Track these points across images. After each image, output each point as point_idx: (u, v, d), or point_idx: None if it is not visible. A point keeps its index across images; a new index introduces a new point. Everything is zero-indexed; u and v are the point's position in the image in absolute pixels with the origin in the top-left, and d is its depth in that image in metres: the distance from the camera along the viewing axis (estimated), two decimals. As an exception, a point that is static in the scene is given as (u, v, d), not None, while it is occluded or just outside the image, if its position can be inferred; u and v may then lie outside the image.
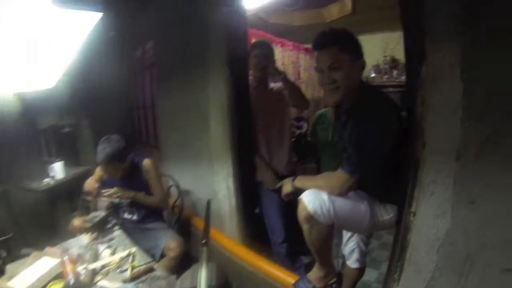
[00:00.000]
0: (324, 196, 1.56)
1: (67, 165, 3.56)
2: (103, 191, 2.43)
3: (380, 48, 5.24)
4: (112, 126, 4.02)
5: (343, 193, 1.57)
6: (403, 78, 5.21)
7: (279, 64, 4.07)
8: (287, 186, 1.82)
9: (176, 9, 2.93)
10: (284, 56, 4.22)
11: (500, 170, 1.19)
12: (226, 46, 2.17)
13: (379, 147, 1.45)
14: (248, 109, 2.25)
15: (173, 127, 3.19)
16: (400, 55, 5.17)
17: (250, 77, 2.37)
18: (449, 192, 1.30)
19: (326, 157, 2.34)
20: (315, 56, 1.56)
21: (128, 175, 2.52)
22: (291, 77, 4.31)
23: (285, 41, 4.19)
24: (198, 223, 2.81)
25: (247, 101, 2.24)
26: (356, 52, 1.53)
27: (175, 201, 2.90)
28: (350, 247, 2.20)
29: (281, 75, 2.26)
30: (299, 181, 1.76)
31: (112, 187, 2.48)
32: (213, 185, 2.61)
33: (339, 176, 1.56)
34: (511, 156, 1.17)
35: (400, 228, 1.52)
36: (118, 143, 2.38)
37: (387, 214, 1.64)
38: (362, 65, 1.57)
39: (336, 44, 1.49)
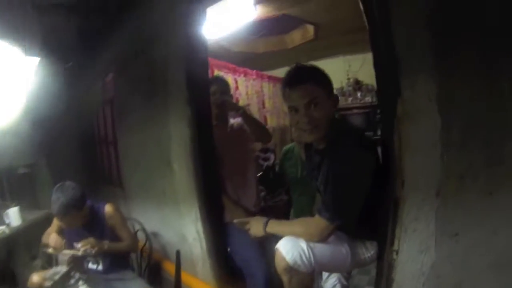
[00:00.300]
0: (303, 244, 1.43)
1: (24, 210, 3.22)
2: (77, 247, 2.19)
3: (343, 71, 5.30)
4: (73, 165, 3.88)
5: (323, 240, 1.46)
6: (367, 99, 5.28)
7: (243, 94, 4.01)
8: (257, 230, 1.65)
9: (135, 42, 2.81)
10: (248, 86, 4.16)
11: (480, 200, 1.20)
12: (186, 82, 2.05)
13: (358, 191, 1.36)
14: (212, 149, 2.11)
15: (136, 166, 3.00)
16: (363, 77, 5.24)
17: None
18: (432, 227, 1.27)
19: (297, 193, 2.23)
20: (286, 95, 1.46)
21: (89, 223, 2.30)
22: (255, 106, 4.25)
23: (248, 70, 4.14)
24: (169, 267, 2.60)
25: (211, 140, 2.11)
26: (330, 87, 1.48)
27: (143, 245, 2.68)
28: (331, 283, 2.06)
29: (240, 111, 2.16)
30: (272, 227, 1.59)
31: (73, 238, 2.26)
32: (181, 228, 2.44)
33: (318, 223, 1.44)
34: (490, 186, 1.18)
35: (383, 264, 1.46)
36: (73, 191, 2.15)
37: (368, 251, 1.57)
38: (336, 101, 1.50)
39: (313, 79, 1.42)
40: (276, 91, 4.84)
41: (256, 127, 2.26)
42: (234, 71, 3.82)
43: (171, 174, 2.37)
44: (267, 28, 4.04)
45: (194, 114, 2.02)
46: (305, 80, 1.41)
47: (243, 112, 2.17)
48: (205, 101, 2.06)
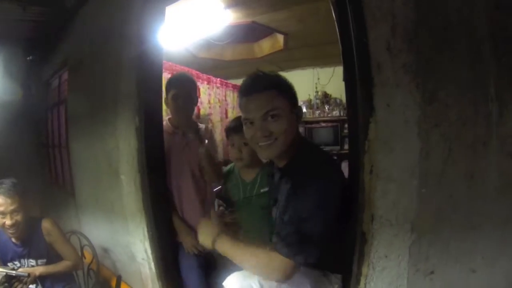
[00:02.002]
0: (255, 284, 1.18)
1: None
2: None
3: (312, 83, 5.13)
4: (19, 167, 3.50)
5: (284, 280, 1.17)
6: (335, 112, 5.13)
7: (205, 102, 3.72)
8: (205, 239, 1.33)
9: (88, 39, 2.49)
10: (211, 94, 3.88)
11: (460, 235, 1.05)
12: (137, 88, 1.77)
13: (326, 217, 1.10)
14: (162, 163, 1.84)
15: (86, 174, 2.66)
16: (332, 90, 5.10)
17: (165, 121, 1.95)
18: (404, 265, 1.09)
19: (243, 215, 1.94)
20: (242, 105, 1.24)
21: (26, 239, 2.01)
22: (218, 116, 3.97)
23: (212, 77, 3.86)
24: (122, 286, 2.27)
25: (162, 153, 1.83)
26: (293, 97, 1.26)
27: (90, 262, 2.35)
28: None
29: (202, 148, 1.87)
30: (223, 245, 1.26)
31: (8, 255, 2.00)
32: (130, 246, 2.15)
33: (279, 261, 1.11)
34: (471, 220, 1.03)
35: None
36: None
37: (332, 285, 1.31)
38: (300, 114, 1.28)
39: (275, 87, 1.19)
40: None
41: (211, 168, 1.95)
42: (197, 78, 3.52)
43: (119, 187, 2.07)
44: (235, 35, 3.80)
45: (142, 124, 1.73)
46: (264, 88, 1.19)
47: (206, 151, 1.88)
48: (156, 110, 1.78)
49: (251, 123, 1.21)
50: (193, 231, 1.90)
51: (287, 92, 1.23)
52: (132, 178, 1.86)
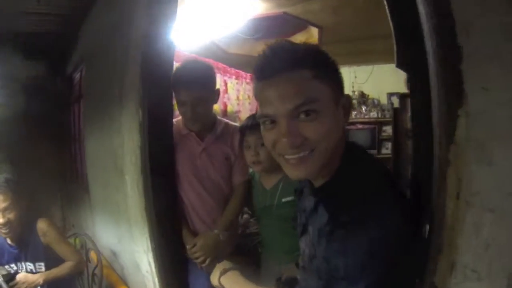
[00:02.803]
0: None
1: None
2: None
3: (348, 82, 4.70)
4: (43, 163, 3.43)
5: None
6: (373, 114, 4.73)
7: (232, 98, 3.37)
8: (214, 278, 1.13)
9: (100, 33, 2.27)
10: (240, 90, 3.53)
11: None
12: (141, 79, 1.50)
13: (378, 280, 0.69)
14: (170, 166, 1.55)
15: (98, 171, 2.45)
16: (369, 90, 4.68)
17: (176, 120, 1.65)
18: None
19: (262, 226, 1.67)
20: (258, 93, 0.79)
21: (22, 241, 1.86)
22: (247, 114, 3.61)
23: (241, 72, 3.52)
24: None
25: (170, 154, 1.54)
26: (340, 83, 0.81)
27: (95, 266, 2.12)
28: None
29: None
30: (228, 283, 1.05)
31: (4, 257, 1.86)
32: (135, 255, 1.91)
33: None
34: None
35: None
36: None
37: None
38: (348, 107, 0.83)
39: (311, 66, 0.74)
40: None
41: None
42: (224, 72, 3.21)
43: (124, 188, 1.83)
44: (266, 29, 3.48)
45: (146, 118, 1.45)
46: (292, 66, 0.73)
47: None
48: (163, 103, 1.49)
49: (272, 122, 0.76)
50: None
51: (330, 73, 0.78)
52: (135, 180, 1.60)
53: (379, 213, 0.70)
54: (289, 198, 1.48)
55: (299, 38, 4.07)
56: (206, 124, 1.61)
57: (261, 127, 0.81)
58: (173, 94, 1.53)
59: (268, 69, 0.75)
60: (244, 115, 3.52)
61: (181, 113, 1.55)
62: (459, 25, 0.67)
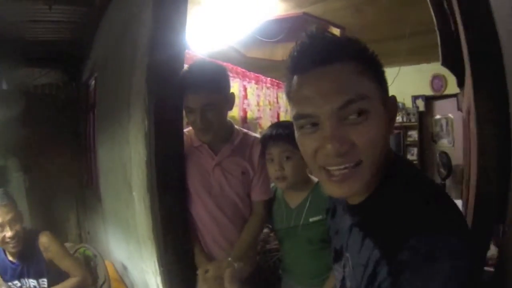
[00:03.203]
0: None
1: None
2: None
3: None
4: (62, 171, 3.42)
5: None
6: (398, 118, 4.48)
7: (252, 104, 3.19)
8: None
9: (111, 41, 2.16)
10: (260, 95, 3.35)
11: None
12: (146, 83, 1.35)
13: None
14: (179, 183, 1.38)
15: (108, 183, 2.33)
16: (393, 93, 4.39)
17: (187, 131, 1.48)
18: None
19: (285, 248, 1.47)
20: (295, 88, 0.66)
21: (24, 255, 1.78)
22: (268, 121, 3.42)
23: (261, 77, 3.35)
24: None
25: (179, 169, 1.37)
26: (384, 80, 0.67)
27: (103, 282, 2.01)
28: None
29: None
30: None
31: (6, 273, 1.77)
32: (144, 275, 1.77)
33: None
34: None
35: None
36: None
37: None
38: (394, 111, 0.70)
39: (358, 57, 0.63)
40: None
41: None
42: (243, 76, 3.05)
43: (132, 204, 1.68)
44: (286, 31, 3.31)
45: (152, 129, 1.30)
46: (337, 57, 0.62)
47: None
48: (172, 112, 1.33)
49: (314, 125, 0.63)
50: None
51: (377, 69, 0.66)
52: (142, 197, 1.45)
53: (450, 245, 0.53)
54: (318, 218, 1.33)
55: (320, 40, 3.90)
56: (220, 134, 1.41)
57: (297, 132, 0.67)
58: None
59: (308, 60, 0.63)
60: (265, 122, 3.36)
61: (190, 123, 1.36)
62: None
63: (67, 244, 2.87)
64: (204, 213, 1.42)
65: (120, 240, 2.21)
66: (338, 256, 0.80)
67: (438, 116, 5.28)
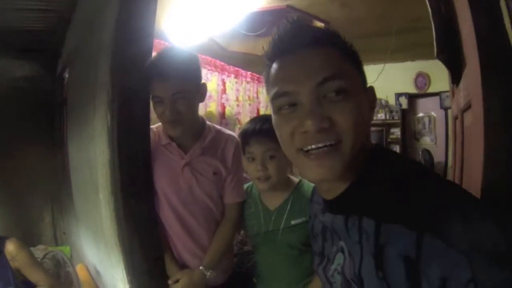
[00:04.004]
0: None
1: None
2: None
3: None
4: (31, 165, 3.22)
5: None
6: (380, 115, 4.44)
7: (231, 99, 3.03)
8: None
9: (84, 27, 1.98)
10: (240, 90, 3.20)
11: None
12: (110, 73, 1.19)
13: None
14: (147, 185, 1.23)
15: (78, 182, 2.15)
16: (377, 90, 4.36)
17: (156, 127, 1.33)
18: None
19: (263, 255, 1.34)
20: (276, 71, 0.66)
21: None
22: (247, 116, 3.28)
23: (241, 71, 3.20)
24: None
25: (146, 171, 1.22)
26: (362, 68, 0.69)
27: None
28: None
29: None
30: None
31: None
32: (115, 282, 1.59)
33: None
34: None
35: None
36: None
37: None
38: (373, 98, 0.71)
39: (335, 45, 0.65)
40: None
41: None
42: (222, 70, 2.88)
43: (99, 206, 1.51)
44: (268, 24, 3.17)
45: (115, 124, 1.13)
46: (316, 41, 0.64)
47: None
48: (137, 106, 1.17)
49: (292, 105, 0.63)
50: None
51: (356, 58, 0.67)
52: (107, 200, 1.28)
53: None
54: (300, 220, 1.23)
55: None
56: (190, 129, 1.28)
57: (274, 115, 0.67)
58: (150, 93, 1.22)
59: (290, 42, 0.65)
60: (244, 117, 3.21)
61: (159, 115, 1.22)
62: None
63: (40, 246, 2.69)
64: (174, 217, 1.28)
65: (91, 243, 2.04)
66: (322, 259, 0.78)
67: (421, 114, 5.27)
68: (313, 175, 0.64)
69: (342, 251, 0.67)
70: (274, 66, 0.66)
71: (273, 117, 0.68)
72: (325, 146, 0.60)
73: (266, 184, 1.21)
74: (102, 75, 1.29)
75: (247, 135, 1.21)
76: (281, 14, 3.00)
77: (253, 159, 1.20)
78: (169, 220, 1.29)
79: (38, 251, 2.26)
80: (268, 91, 0.69)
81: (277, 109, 0.66)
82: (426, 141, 5.15)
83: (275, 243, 1.27)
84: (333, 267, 0.70)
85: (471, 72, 0.95)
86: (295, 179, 1.33)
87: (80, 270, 2.00)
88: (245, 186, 1.40)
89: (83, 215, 2.13)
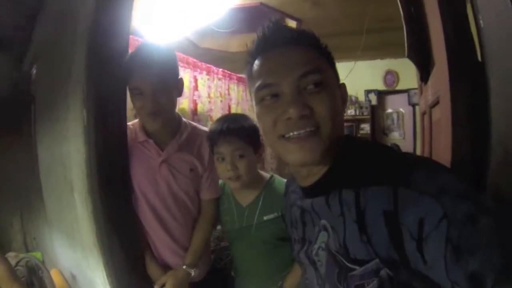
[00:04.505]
0: None
1: None
2: None
3: (326, 79, 4.50)
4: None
5: None
6: (350, 111, 4.56)
7: (203, 96, 3.00)
8: None
9: (55, 19, 1.89)
10: (211, 87, 3.16)
11: None
12: (86, 69, 1.14)
13: None
14: (125, 184, 1.22)
15: (50, 183, 2.06)
16: (349, 85, 4.48)
17: (132, 124, 1.32)
18: None
19: (237, 250, 1.37)
20: (260, 65, 0.74)
21: None
22: (219, 113, 3.26)
23: (213, 67, 3.17)
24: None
25: (124, 169, 1.21)
26: (334, 68, 0.78)
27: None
28: None
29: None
30: None
31: None
32: (94, 285, 1.53)
33: None
34: None
35: None
36: None
37: None
38: (345, 96, 0.81)
39: (314, 45, 0.75)
40: (247, 96, 3.89)
41: None
42: (194, 66, 2.84)
43: (75, 207, 1.45)
44: (241, 22, 3.18)
45: (91, 121, 1.10)
46: (297, 41, 0.73)
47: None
48: (114, 102, 1.15)
49: (274, 95, 0.71)
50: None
51: (328, 55, 0.76)
52: (84, 199, 1.25)
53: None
54: (272, 215, 1.26)
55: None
56: (169, 123, 1.28)
57: (257, 106, 0.74)
58: (128, 86, 1.20)
59: (273, 40, 0.72)
60: (216, 114, 3.18)
61: (138, 109, 1.22)
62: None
63: (11, 253, 2.55)
64: (152, 215, 1.28)
65: (66, 246, 1.96)
66: (302, 243, 0.83)
67: (389, 110, 5.45)
68: (295, 157, 0.69)
69: (325, 229, 0.72)
70: (257, 62, 0.74)
71: (255, 108, 0.74)
72: (306, 131, 0.67)
73: (237, 183, 1.22)
74: (77, 71, 1.24)
75: (215, 135, 1.21)
76: (254, 11, 3.02)
77: (223, 159, 1.21)
78: (147, 218, 1.28)
79: (10, 259, 2.16)
80: (250, 86, 0.76)
81: (260, 100, 0.72)
82: (395, 136, 5.34)
83: (249, 239, 1.29)
84: (316, 246, 0.75)
85: (439, 72, 1.02)
86: (266, 175, 1.35)
87: (54, 275, 1.92)
88: (220, 181, 1.40)
89: (56, 218, 2.05)
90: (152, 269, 1.30)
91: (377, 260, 0.60)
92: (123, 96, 1.17)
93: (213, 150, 1.24)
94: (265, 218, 1.28)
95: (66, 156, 1.43)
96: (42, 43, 2.24)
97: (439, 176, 0.56)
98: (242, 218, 1.30)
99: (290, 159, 0.71)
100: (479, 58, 0.85)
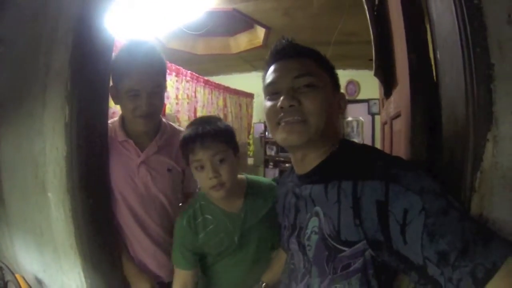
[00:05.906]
0: None
1: None
2: None
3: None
4: None
5: None
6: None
7: (171, 97, 3.00)
8: None
9: (28, 8, 1.82)
10: (179, 88, 3.18)
11: None
12: (70, 64, 1.14)
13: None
14: (105, 184, 1.22)
15: (14, 183, 1.96)
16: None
17: (111, 123, 1.32)
18: None
19: (238, 258, 1.27)
20: (269, 74, 0.96)
21: None
22: (185, 115, 3.27)
23: (181, 69, 3.19)
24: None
25: (105, 169, 1.22)
26: (337, 80, 0.99)
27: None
28: None
29: None
30: None
31: None
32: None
33: None
34: None
35: None
36: None
37: None
38: (344, 106, 0.99)
39: (314, 57, 0.94)
40: (212, 99, 3.93)
41: None
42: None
43: (47, 207, 1.42)
44: (211, 25, 3.22)
45: (74, 119, 1.11)
46: (298, 53, 0.93)
47: None
48: (99, 100, 1.16)
49: (276, 93, 0.90)
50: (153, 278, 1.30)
51: (329, 69, 0.95)
52: (61, 199, 1.23)
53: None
54: (266, 209, 1.25)
55: (242, 38, 3.87)
56: (155, 124, 1.30)
57: (264, 102, 0.95)
58: (117, 86, 1.19)
59: (283, 53, 0.94)
60: (183, 116, 3.19)
61: (131, 109, 1.19)
62: (492, 42, 0.69)
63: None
64: (130, 216, 1.26)
65: (31, 250, 1.88)
66: (292, 229, 0.97)
67: (350, 118, 5.71)
68: (284, 137, 0.86)
69: (317, 215, 0.86)
70: (271, 68, 0.94)
71: (264, 102, 0.94)
72: (294, 119, 0.84)
73: (222, 191, 1.12)
74: (57, 66, 1.23)
75: (190, 142, 1.10)
76: (225, 16, 3.08)
77: (202, 167, 1.11)
78: (125, 219, 1.27)
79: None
80: (264, 84, 0.96)
81: (267, 95, 0.93)
82: (354, 142, 5.60)
83: (251, 240, 1.24)
84: (308, 231, 0.89)
85: (401, 90, 1.17)
86: (242, 177, 1.29)
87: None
88: (190, 210, 1.26)
89: (20, 220, 1.97)
90: (129, 270, 1.28)
91: (364, 241, 0.75)
92: (106, 93, 1.17)
93: (189, 160, 1.14)
94: (259, 215, 1.24)
95: (39, 153, 1.40)
96: (8, 32, 2.14)
97: (422, 178, 0.72)
98: (239, 224, 1.22)
99: (281, 139, 0.87)
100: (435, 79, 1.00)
